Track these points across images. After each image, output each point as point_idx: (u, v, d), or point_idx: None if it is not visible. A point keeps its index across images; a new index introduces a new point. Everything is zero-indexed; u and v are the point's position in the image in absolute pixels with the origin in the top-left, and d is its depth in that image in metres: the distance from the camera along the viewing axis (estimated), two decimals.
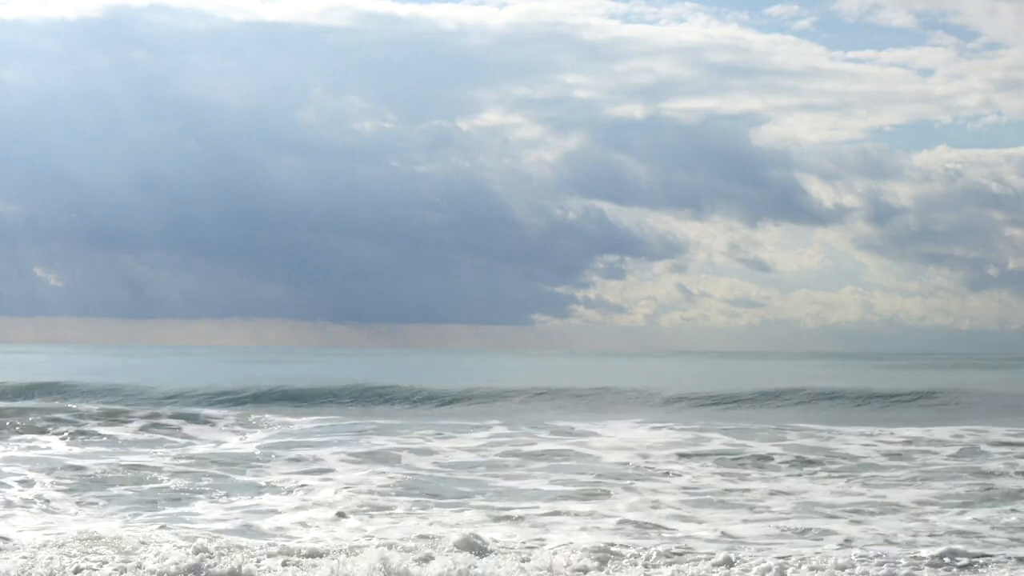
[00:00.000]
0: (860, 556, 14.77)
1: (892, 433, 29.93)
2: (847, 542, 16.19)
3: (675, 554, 15.03)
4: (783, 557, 14.75)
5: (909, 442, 28.09)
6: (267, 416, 35.64)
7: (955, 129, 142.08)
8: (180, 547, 14.92)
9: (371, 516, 18.28)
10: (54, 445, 28.05)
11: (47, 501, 19.66)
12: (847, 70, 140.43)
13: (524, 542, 15.91)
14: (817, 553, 15.06)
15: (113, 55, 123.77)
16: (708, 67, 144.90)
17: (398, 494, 20.43)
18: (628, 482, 21.84)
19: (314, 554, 14.87)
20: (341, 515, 18.28)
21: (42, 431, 30.70)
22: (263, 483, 21.84)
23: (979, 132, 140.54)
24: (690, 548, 15.45)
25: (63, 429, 30.91)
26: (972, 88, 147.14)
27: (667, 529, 17.33)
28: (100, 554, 14.65)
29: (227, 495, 20.43)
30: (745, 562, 14.47)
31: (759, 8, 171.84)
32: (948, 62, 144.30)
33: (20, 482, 21.32)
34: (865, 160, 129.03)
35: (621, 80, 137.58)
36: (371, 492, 20.52)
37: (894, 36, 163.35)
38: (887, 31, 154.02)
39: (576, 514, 18.44)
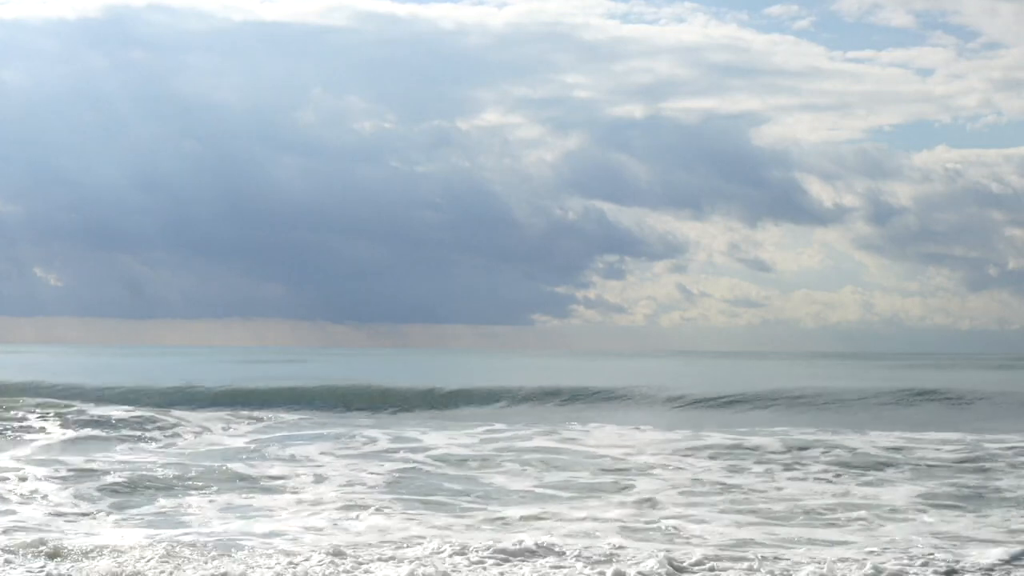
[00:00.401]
0: (875, 562, 14.52)
1: (892, 435, 29.71)
2: (863, 547, 15.92)
3: (697, 561, 14.74)
4: (819, 561, 14.48)
5: (911, 443, 27.84)
6: (262, 414, 35.43)
7: (955, 129, 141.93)
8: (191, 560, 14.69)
9: (365, 517, 18.00)
10: (43, 443, 27.82)
11: (43, 499, 19.39)
12: (847, 70, 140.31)
13: (520, 546, 15.61)
14: (832, 558, 14.82)
15: (113, 55, 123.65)
16: (708, 67, 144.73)
17: (392, 494, 20.16)
18: (625, 482, 21.58)
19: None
20: (334, 516, 18.04)
21: (31, 428, 30.46)
22: (256, 482, 21.54)
23: (979, 132, 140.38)
24: (692, 552, 15.17)
25: (55, 427, 30.69)
26: (972, 88, 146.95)
27: (666, 532, 17.02)
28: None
29: (220, 494, 20.10)
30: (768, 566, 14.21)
31: (758, 8, 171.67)
32: (948, 62, 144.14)
33: (16, 479, 21.08)
34: (865, 160, 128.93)
35: (621, 80, 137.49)
36: (364, 492, 20.27)
37: (894, 36, 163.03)
38: (887, 31, 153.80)
39: (573, 517, 18.15)
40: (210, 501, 19.43)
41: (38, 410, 33.86)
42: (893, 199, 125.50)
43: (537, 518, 17.76)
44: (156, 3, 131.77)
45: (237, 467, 23.26)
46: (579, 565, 14.17)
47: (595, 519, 17.72)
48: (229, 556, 14.45)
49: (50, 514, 17.97)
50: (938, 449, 26.49)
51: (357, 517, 17.78)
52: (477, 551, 14.80)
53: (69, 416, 32.66)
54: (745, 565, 14.22)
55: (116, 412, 33.97)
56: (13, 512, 18.02)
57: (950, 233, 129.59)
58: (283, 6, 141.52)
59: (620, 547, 15.18)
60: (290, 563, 14.17)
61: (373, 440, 27.91)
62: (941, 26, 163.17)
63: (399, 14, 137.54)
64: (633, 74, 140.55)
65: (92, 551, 14.66)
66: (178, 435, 29.84)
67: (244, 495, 20.04)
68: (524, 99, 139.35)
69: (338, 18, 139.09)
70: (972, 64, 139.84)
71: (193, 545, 15.11)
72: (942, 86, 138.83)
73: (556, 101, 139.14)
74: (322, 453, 25.50)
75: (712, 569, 14.10)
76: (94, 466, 22.96)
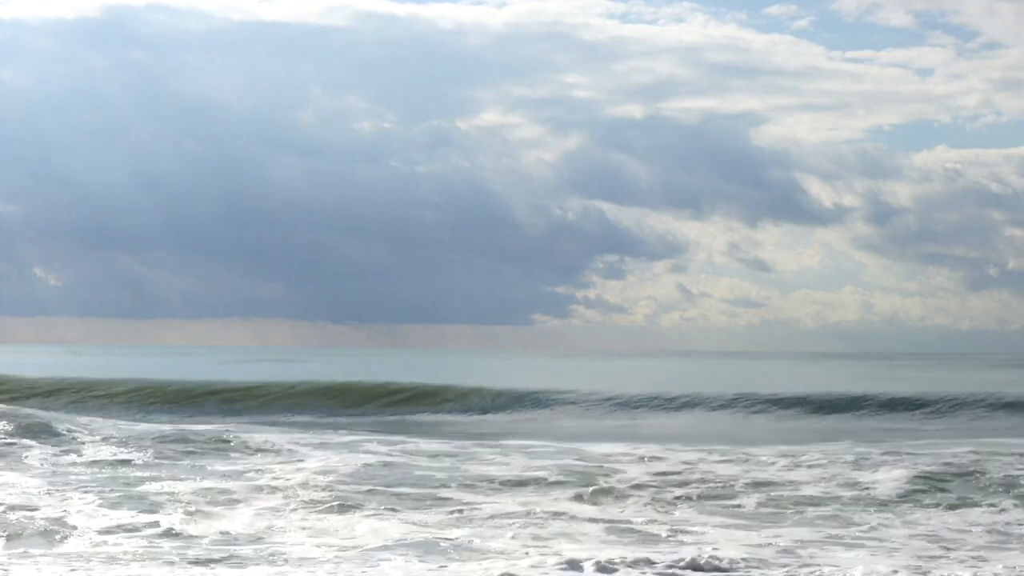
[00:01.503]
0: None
1: (891, 437, 29.45)
2: (868, 551, 15.58)
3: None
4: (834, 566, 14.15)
5: (911, 445, 27.53)
6: (253, 414, 35.20)
7: (954, 129, 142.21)
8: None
9: (355, 519, 17.66)
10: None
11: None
12: (846, 70, 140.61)
13: (506, 551, 15.28)
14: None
15: (112, 55, 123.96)
16: (707, 67, 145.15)
17: (375, 493, 19.82)
18: (614, 485, 21.26)
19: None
20: (319, 518, 17.74)
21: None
22: (244, 483, 21.18)
23: (978, 132, 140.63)
24: (689, 555, 14.83)
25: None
26: (971, 88, 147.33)
27: (660, 538, 16.68)
28: None
29: (202, 494, 19.73)
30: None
31: (758, 8, 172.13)
32: (947, 62, 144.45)
33: None
34: (865, 160, 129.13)
35: (620, 80, 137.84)
36: (350, 494, 19.93)
37: (893, 36, 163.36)
38: (886, 31, 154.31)
39: (562, 519, 17.82)
40: (190, 504, 19.04)
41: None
42: (893, 199, 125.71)
43: (533, 521, 17.44)
44: (156, 3, 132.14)
45: (226, 467, 22.95)
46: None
47: (579, 522, 17.40)
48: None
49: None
50: (941, 455, 26.14)
51: (343, 521, 17.47)
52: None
53: (38, 420, 31.99)
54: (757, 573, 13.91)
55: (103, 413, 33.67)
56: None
57: (950, 233, 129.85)
58: (283, 6, 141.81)
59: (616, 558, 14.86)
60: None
61: (350, 436, 27.92)
62: (940, 26, 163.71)
63: (399, 14, 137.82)
64: (633, 74, 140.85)
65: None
66: (157, 436, 29.42)
67: (228, 496, 19.65)
68: (524, 99, 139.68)
69: (338, 18, 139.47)
70: (972, 64, 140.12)
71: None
72: (942, 86, 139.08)
73: (556, 101, 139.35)
74: (314, 452, 25.26)
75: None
76: (72, 469, 22.65)
